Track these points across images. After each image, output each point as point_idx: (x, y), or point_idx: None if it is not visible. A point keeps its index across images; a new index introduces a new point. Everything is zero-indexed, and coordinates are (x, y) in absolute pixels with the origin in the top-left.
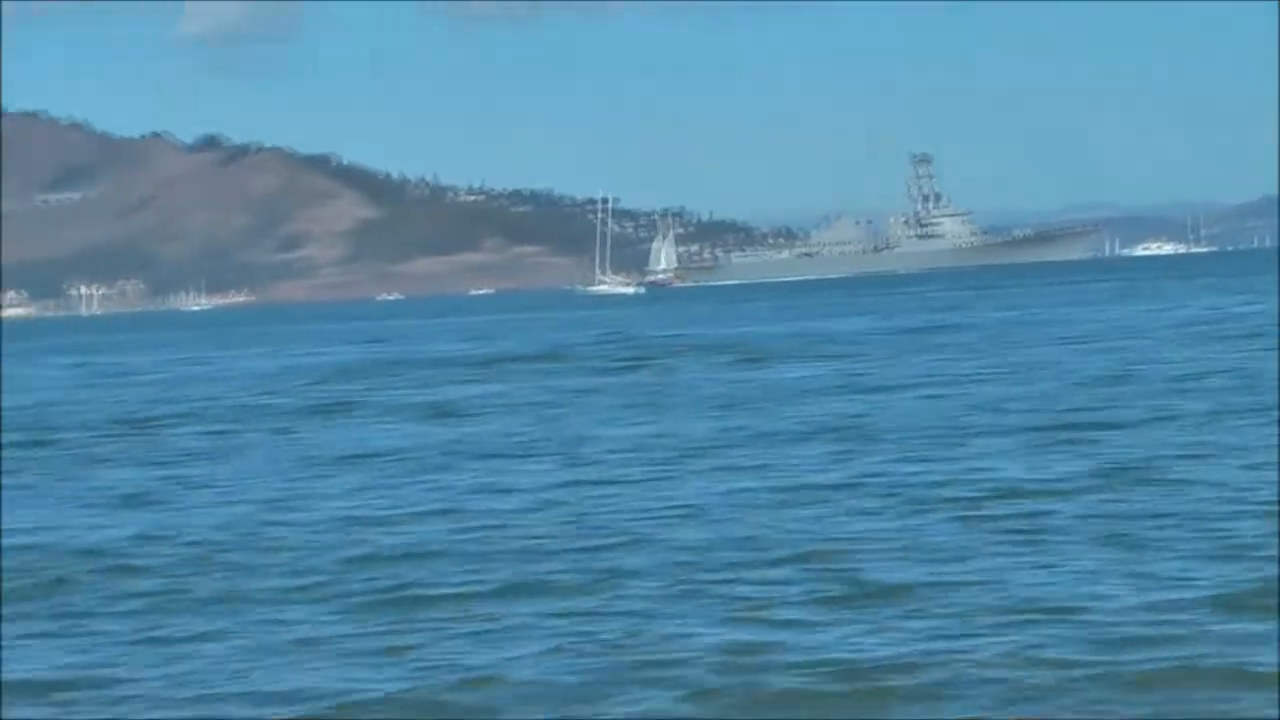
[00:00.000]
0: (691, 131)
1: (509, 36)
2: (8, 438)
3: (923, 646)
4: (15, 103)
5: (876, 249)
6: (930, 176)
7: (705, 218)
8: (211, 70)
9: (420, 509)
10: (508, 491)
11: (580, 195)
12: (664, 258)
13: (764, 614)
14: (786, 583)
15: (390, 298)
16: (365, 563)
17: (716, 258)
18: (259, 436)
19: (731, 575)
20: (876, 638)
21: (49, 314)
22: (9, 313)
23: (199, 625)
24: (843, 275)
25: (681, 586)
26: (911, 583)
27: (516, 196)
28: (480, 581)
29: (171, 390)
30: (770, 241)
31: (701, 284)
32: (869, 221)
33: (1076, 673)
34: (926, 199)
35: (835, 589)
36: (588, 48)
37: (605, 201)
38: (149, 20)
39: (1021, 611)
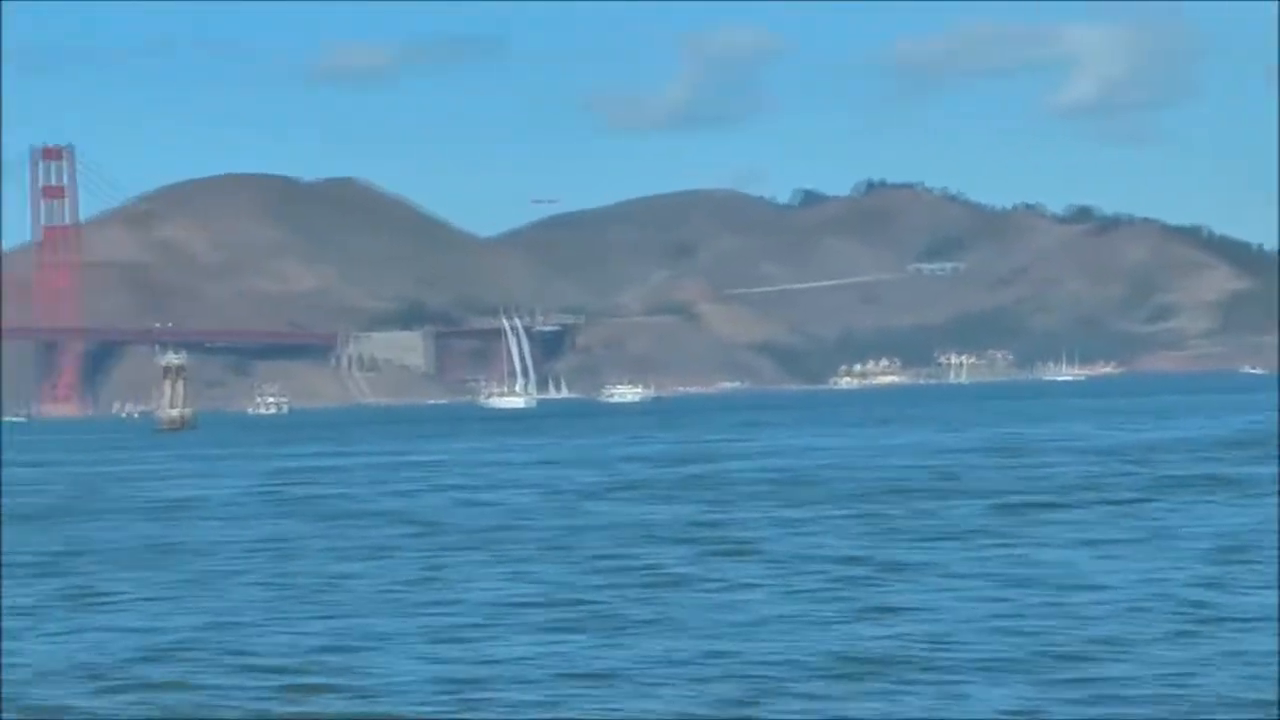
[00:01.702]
0: None
1: None
2: None
3: None
4: (895, 175)
5: None
6: None
7: None
8: (1083, 138)
9: None
10: None
11: None
12: None
13: None
14: None
15: (1255, 371)
16: None
17: None
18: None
19: None
20: None
21: (920, 381)
22: (881, 379)
23: None
24: None
25: None
26: None
27: None
28: None
29: None
30: None
31: None
32: None
33: None
34: None
35: None
36: None
37: None
38: (1029, 89)
39: None
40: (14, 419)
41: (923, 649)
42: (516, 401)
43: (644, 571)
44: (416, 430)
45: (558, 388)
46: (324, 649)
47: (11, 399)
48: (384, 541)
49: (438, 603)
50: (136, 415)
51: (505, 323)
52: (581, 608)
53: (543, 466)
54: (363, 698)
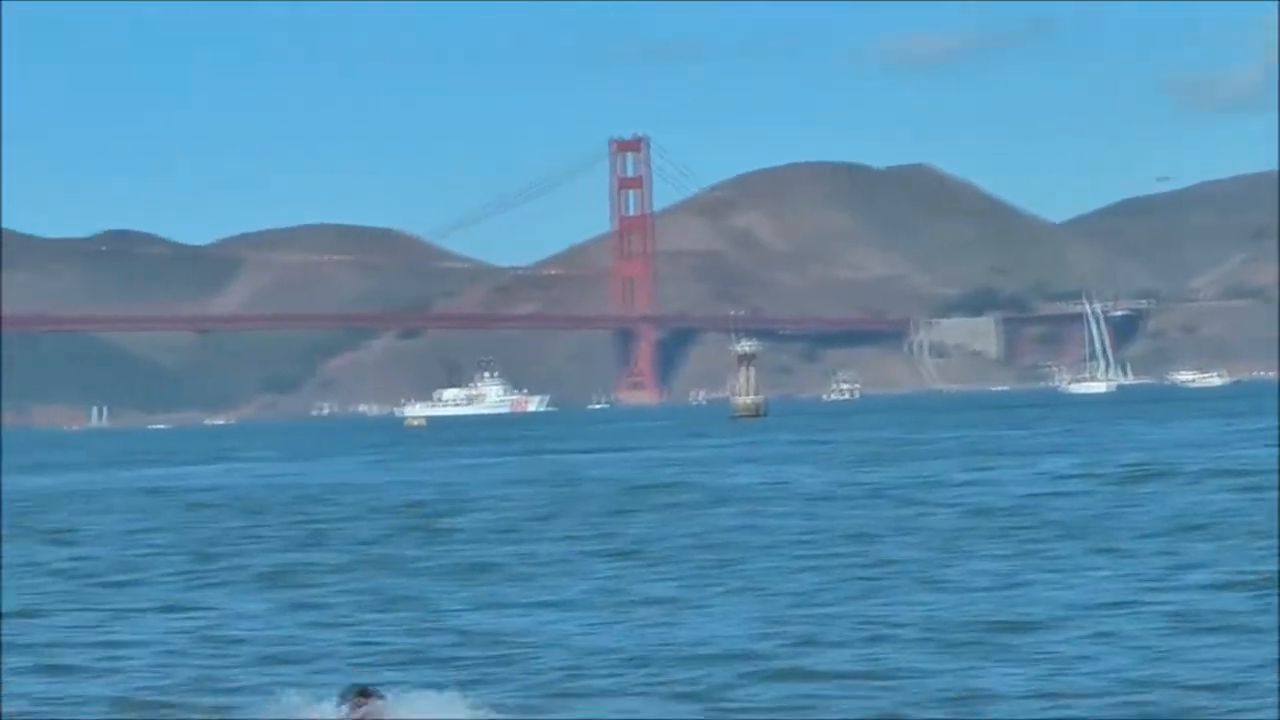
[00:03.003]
0: None
1: None
2: None
3: None
4: None
5: None
6: None
7: None
8: None
9: None
10: None
11: None
12: None
13: None
14: None
15: None
16: None
17: None
18: None
19: None
20: None
21: None
22: None
23: None
24: None
25: None
26: None
27: None
28: None
29: None
30: None
31: None
32: None
33: None
34: None
35: None
36: None
37: None
38: None
39: None
40: (596, 406)
41: None
42: (1097, 387)
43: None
44: (1006, 417)
45: (1125, 373)
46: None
47: (593, 386)
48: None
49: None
50: (706, 402)
51: (1086, 307)
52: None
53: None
54: None
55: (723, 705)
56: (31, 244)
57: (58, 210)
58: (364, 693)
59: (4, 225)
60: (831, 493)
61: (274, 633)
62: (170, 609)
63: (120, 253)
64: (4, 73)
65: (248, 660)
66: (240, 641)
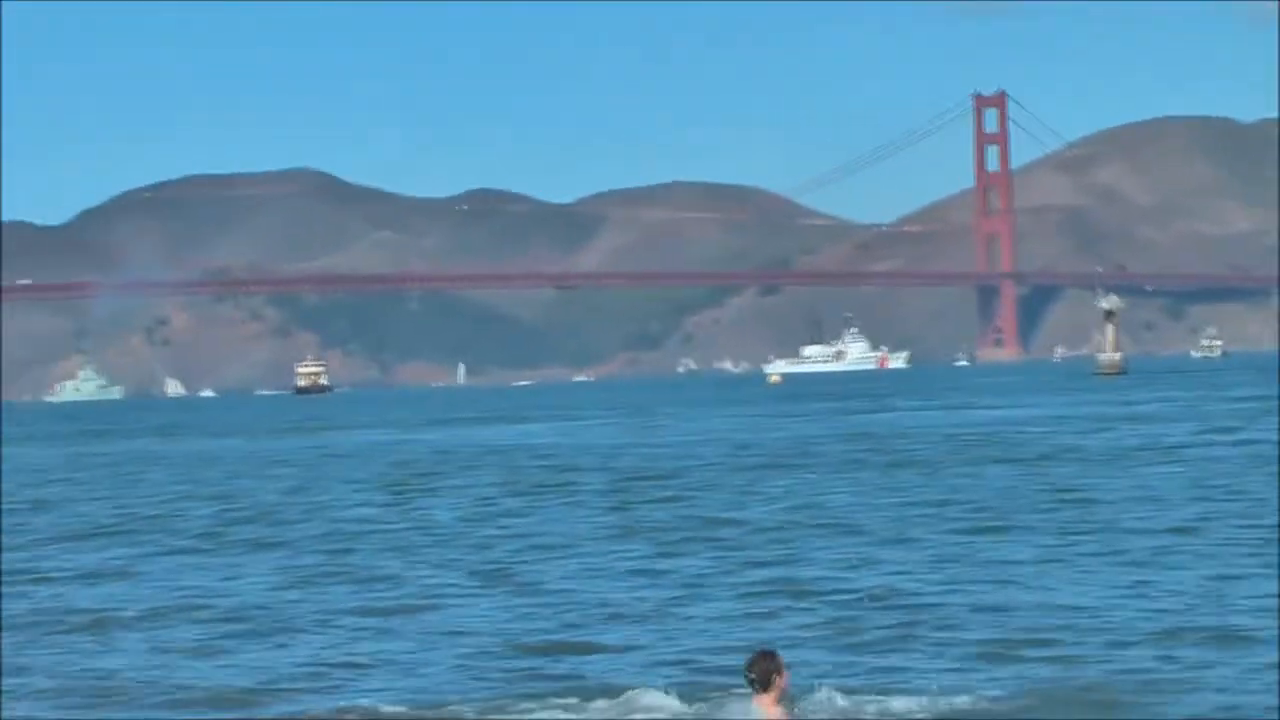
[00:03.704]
0: None
1: None
2: None
3: None
4: None
5: None
6: None
7: None
8: None
9: None
10: None
11: None
12: None
13: None
14: None
15: None
16: None
17: None
18: None
19: None
20: None
21: None
22: None
23: None
24: None
25: None
26: None
27: None
28: None
29: None
30: None
31: None
32: None
33: None
34: None
35: None
36: None
37: None
38: None
39: None
40: (959, 363)
41: None
42: None
43: None
44: None
45: None
46: None
47: (953, 343)
48: None
49: None
50: (1065, 359)
51: None
52: None
53: None
54: None
55: (1085, 673)
56: (398, 203)
57: (425, 170)
58: (768, 655)
59: (372, 185)
60: (1196, 452)
61: (631, 595)
62: (508, 568)
63: (485, 211)
64: (371, 39)
65: (603, 618)
66: (600, 604)
